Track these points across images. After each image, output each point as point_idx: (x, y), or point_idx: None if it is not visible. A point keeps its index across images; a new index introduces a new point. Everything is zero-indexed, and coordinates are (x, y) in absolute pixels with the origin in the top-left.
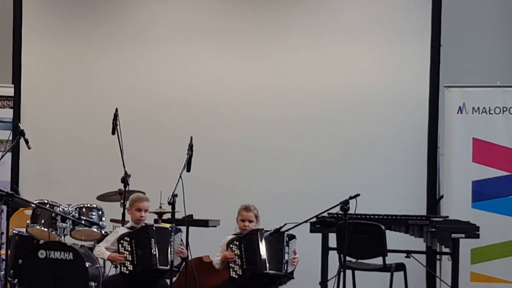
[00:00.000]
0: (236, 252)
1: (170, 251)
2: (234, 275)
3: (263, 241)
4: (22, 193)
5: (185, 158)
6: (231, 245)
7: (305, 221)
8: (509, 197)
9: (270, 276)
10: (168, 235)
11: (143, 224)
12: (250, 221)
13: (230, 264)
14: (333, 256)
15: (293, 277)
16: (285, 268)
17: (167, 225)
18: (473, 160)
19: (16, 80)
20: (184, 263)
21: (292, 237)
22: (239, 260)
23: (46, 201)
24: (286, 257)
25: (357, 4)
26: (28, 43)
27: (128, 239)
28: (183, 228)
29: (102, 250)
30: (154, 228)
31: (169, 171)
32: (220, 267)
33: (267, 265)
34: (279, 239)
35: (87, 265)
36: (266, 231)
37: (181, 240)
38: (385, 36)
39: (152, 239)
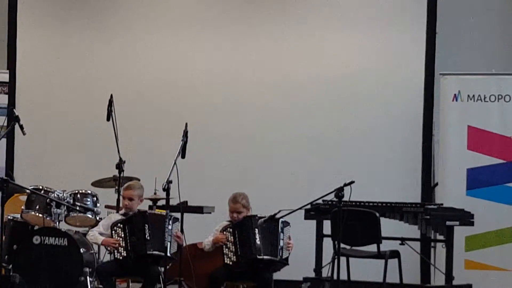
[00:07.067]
0: (230, 238)
1: (166, 238)
2: (228, 262)
3: (257, 228)
4: (17, 179)
5: (180, 145)
6: (225, 232)
7: (300, 208)
8: (504, 185)
9: (264, 262)
10: (163, 222)
11: (137, 211)
12: (239, 212)
13: (224, 251)
14: (328, 243)
15: (288, 264)
16: (280, 254)
17: (163, 212)
18: (468, 148)
19: (11, 65)
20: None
21: (286, 224)
22: (233, 247)
23: (40, 187)
24: (281, 243)
25: None
26: (23, 29)
27: (121, 225)
28: (178, 215)
29: (96, 235)
30: (147, 214)
31: (164, 158)
32: (209, 249)
33: (262, 251)
34: (273, 226)
35: (81, 251)
36: (261, 217)
37: (178, 229)
38: (380, 24)
39: (146, 225)
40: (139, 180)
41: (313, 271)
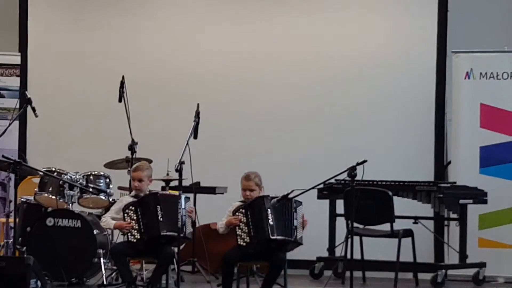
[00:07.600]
0: (242, 219)
1: (179, 218)
2: (241, 243)
3: (270, 208)
4: (29, 161)
5: (192, 126)
6: (237, 213)
7: (313, 188)
8: None
9: (278, 242)
10: (175, 202)
11: (147, 192)
12: (251, 190)
13: (237, 232)
14: (341, 223)
15: (302, 243)
16: (295, 234)
17: (175, 192)
18: (480, 126)
19: (23, 48)
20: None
21: (299, 203)
22: (246, 228)
23: (53, 169)
24: (295, 223)
25: None
26: (35, 11)
27: (133, 208)
28: (190, 195)
29: (108, 221)
30: (159, 195)
31: (176, 139)
32: (224, 232)
33: (275, 231)
34: (287, 206)
35: (95, 233)
36: (273, 197)
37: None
38: (392, 2)
39: (158, 206)
40: (151, 161)
41: (326, 251)
